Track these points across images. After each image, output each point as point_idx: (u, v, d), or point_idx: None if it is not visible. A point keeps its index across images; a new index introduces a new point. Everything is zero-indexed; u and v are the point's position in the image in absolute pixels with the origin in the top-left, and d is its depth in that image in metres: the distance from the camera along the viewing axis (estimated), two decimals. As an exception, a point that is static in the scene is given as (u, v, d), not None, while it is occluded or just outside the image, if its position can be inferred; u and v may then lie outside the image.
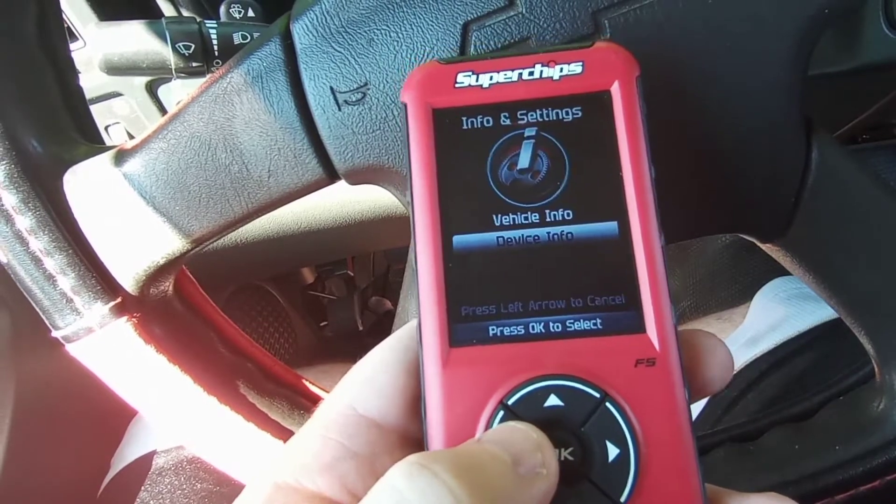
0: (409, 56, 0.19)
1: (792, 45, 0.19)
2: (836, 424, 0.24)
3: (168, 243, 0.22)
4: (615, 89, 0.15)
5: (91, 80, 0.42)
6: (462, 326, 0.15)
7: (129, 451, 0.45)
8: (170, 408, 0.23)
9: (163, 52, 0.30)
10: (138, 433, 0.46)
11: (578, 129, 0.15)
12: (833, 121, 0.54)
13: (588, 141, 0.15)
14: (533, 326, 0.14)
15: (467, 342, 0.14)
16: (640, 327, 0.14)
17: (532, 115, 0.16)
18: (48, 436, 0.49)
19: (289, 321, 0.93)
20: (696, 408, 0.45)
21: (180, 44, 0.30)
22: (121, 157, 0.22)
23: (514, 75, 0.16)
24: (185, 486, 0.40)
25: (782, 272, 0.55)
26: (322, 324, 0.98)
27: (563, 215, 0.15)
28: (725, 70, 0.19)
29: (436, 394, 0.14)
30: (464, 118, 0.16)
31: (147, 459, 0.43)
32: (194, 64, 0.30)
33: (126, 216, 0.22)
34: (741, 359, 0.45)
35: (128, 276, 0.22)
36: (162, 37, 0.30)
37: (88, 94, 0.43)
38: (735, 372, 0.44)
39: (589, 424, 0.14)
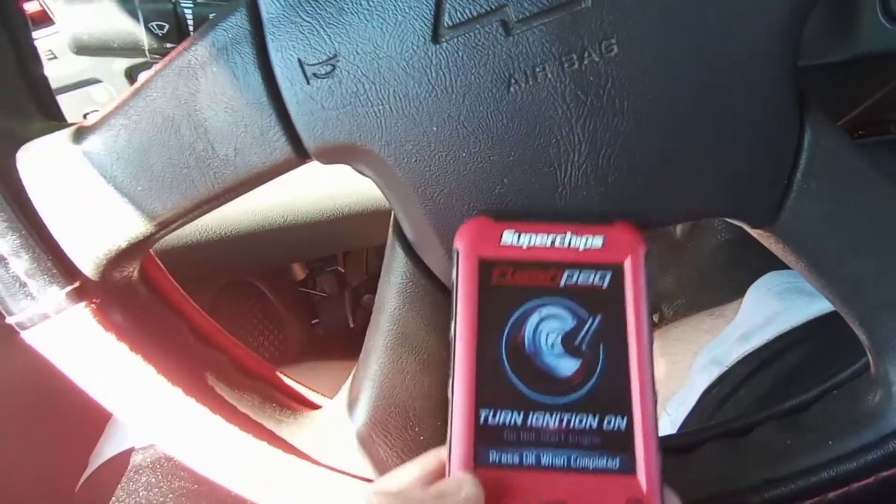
0: (380, 26, 0.18)
1: (782, 14, 0.18)
2: (830, 419, 0.23)
3: (131, 226, 0.21)
4: (627, 263, 0.19)
5: (69, 66, 0.41)
6: (486, 450, 0.18)
7: (107, 448, 0.44)
8: (132, 399, 0.22)
9: (135, 31, 0.29)
10: (117, 430, 0.45)
11: (593, 292, 0.19)
12: (828, 115, 0.53)
13: (601, 304, 0.18)
14: (545, 460, 0.18)
15: (489, 464, 0.18)
16: (632, 470, 0.17)
17: (557, 277, 0.19)
18: (25, 432, 0.48)
19: (279, 318, 0.92)
20: (688, 405, 0.45)
21: (153, 23, 0.29)
22: (80, 134, 0.21)
23: (548, 241, 0.19)
24: (162, 484, 0.39)
25: (776, 268, 0.54)
26: (314, 321, 0.97)
27: (580, 400, 0.18)
28: (713, 41, 0.18)
29: None
30: (503, 269, 0.19)
31: (125, 456, 0.42)
32: (168, 45, 0.29)
33: (85, 196, 0.21)
34: (733, 355, 0.44)
35: (87, 260, 0.21)
36: (134, 16, 0.29)
37: (66, 81, 0.42)
38: (727, 368, 0.44)
39: None
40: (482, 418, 0.18)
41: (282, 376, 0.27)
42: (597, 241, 0.19)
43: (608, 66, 0.18)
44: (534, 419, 0.18)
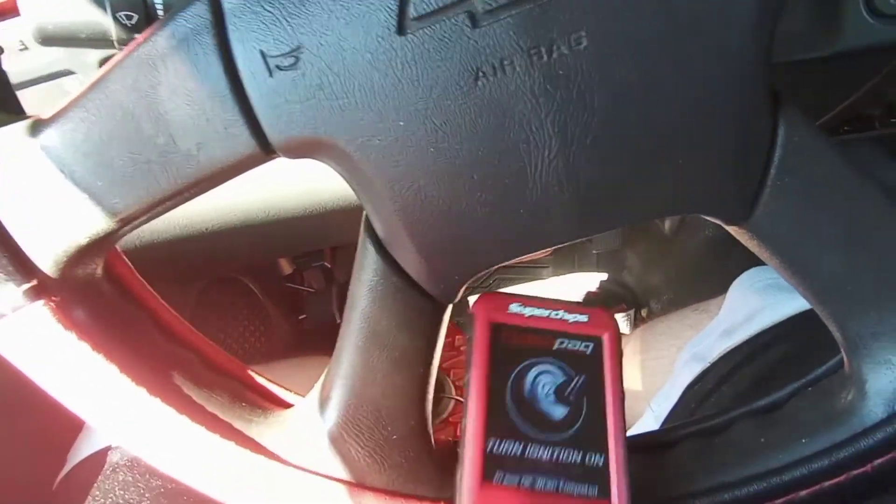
0: (344, 17, 0.18)
1: (752, 12, 0.17)
2: (804, 416, 0.23)
3: (91, 222, 0.20)
4: (605, 337, 0.23)
5: (40, 58, 0.40)
6: (492, 471, 0.21)
7: (84, 447, 0.43)
8: (94, 400, 0.22)
9: (103, 22, 0.28)
10: (94, 428, 0.45)
11: (579, 356, 0.23)
12: (813, 111, 0.53)
13: (585, 366, 0.23)
14: (538, 484, 0.21)
15: (494, 482, 0.21)
16: (607, 496, 0.21)
17: (552, 342, 0.23)
18: (1, 430, 0.47)
19: (265, 314, 0.91)
20: (671, 400, 0.45)
21: (122, 13, 0.28)
22: (37, 127, 0.20)
23: (545, 313, 0.24)
24: (139, 483, 0.39)
25: (761, 263, 0.54)
26: (301, 317, 0.96)
27: (567, 439, 0.22)
28: (684, 36, 0.17)
29: None
30: (510, 332, 0.23)
31: (102, 455, 0.42)
32: (137, 36, 0.28)
33: (43, 192, 0.20)
34: (716, 351, 0.44)
35: (46, 257, 0.21)
36: (102, 6, 0.28)
37: (38, 72, 0.41)
38: (709, 364, 0.44)
39: None
40: (490, 447, 0.22)
41: (253, 374, 0.26)
42: (583, 318, 0.24)
43: (577, 59, 0.18)
44: (531, 451, 0.22)
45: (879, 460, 0.20)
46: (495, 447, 0.22)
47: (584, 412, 0.22)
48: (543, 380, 0.23)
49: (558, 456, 0.22)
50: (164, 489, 0.38)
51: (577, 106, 0.18)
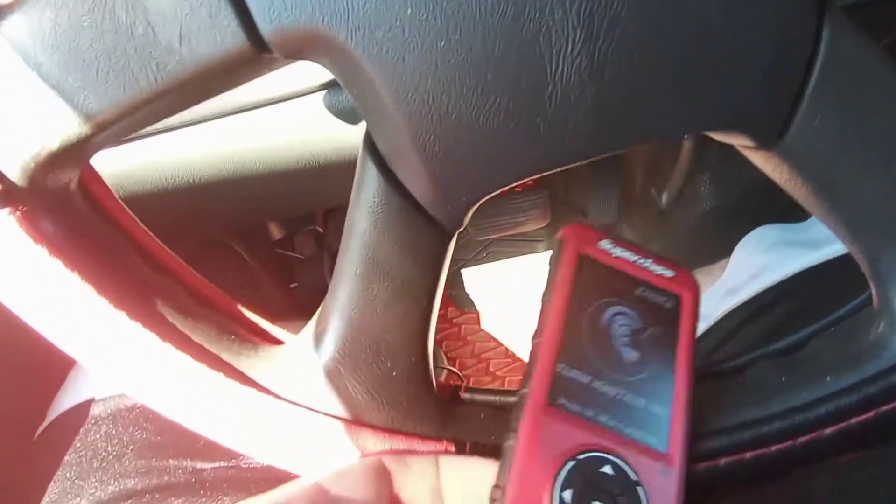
0: None
1: None
2: (828, 355, 0.21)
3: (62, 125, 0.18)
4: (687, 296, 0.23)
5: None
6: (557, 394, 0.21)
7: (66, 399, 0.42)
8: (66, 322, 0.20)
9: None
10: (77, 381, 0.43)
11: (658, 308, 0.23)
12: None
13: (662, 319, 0.23)
14: (600, 418, 0.21)
15: (558, 405, 0.21)
16: (665, 448, 0.20)
17: (635, 287, 0.23)
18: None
19: (255, 280, 0.89)
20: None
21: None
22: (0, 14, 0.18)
23: (633, 257, 0.23)
24: (122, 435, 0.37)
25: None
26: (292, 285, 0.94)
27: (634, 383, 0.22)
28: None
29: (530, 436, 0.20)
30: (595, 265, 0.23)
31: (84, 407, 0.40)
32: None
33: (8, 88, 0.18)
34: (720, 309, 0.43)
35: (12, 162, 0.19)
36: None
37: None
38: (714, 322, 0.43)
39: (624, 496, 0.19)
40: (559, 370, 0.21)
41: (244, 310, 0.25)
42: (668, 273, 0.23)
43: None
44: (598, 385, 0.21)
45: (911, 394, 0.19)
46: (564, 372, 0.21)
47: (654, 362, 0.22)
48: (621, 320, 0.22)
49: (624, 397, 0.21)
50: (148, 441, 0.36)
51: None
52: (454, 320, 1.14)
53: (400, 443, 0.22)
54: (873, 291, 0.21)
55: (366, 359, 0.22)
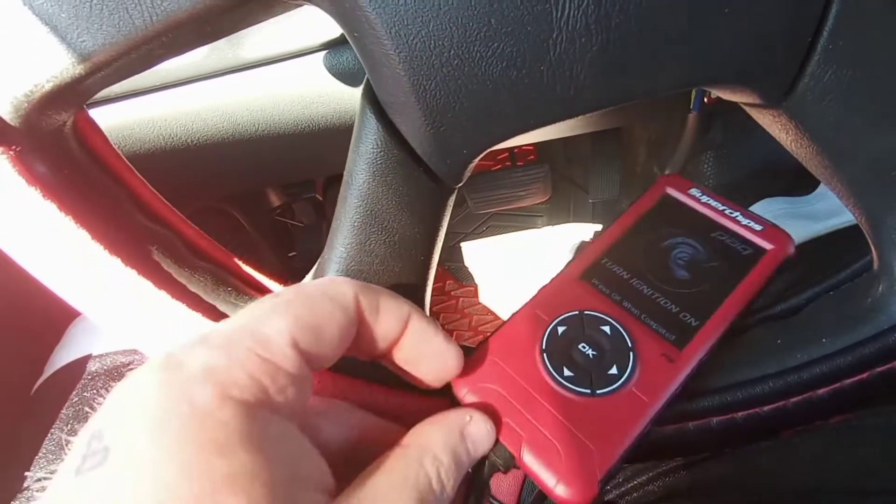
0: None
1: None
2: (825, 318, 0.21)
3: (55, 63, 0.18)
4: (770, 251, 0.23)
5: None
6: (595, 275, 0.24)
7: (64, 355, 0.42)
8: (61, 266, 0.20)
9: None
10: (75, 336, 0.43)
11: (731, 249, 0.24)
12: None
13: (731, 258, 0.23)
14: (626, 304, 0.23)
15: (592, 282, 0.23)
16: (682, 346, 0.21)
17: (712, 231, 0.24)
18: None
19: (254, 247, 0.89)
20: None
21: None
22: None
23: (721, 206, 0.25)
24: (119, 391, 0.37)
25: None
26: (291, 254, 0.94)
27: (673, 293, 0.23)
28: None
29: (550, 289, 0.23)
30: (678, 205, 0.25)
31: (81, 363, 0.40)
32: None
33: (0, 25, 0.18)
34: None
35: (5, 101, 0.18)
36: None
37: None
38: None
39: (612, 353, 0.21)
40: (602, 261, 0.24)
41: (240, 263, 0.25)
42: (757, 226, 0.24)
43: None
44: (635, 282, 0.23)
45: (906, 356, 0.18)
46: (607, 262, 0.24)
47: (704, 287, 0.22)
48: (682, 248, 0.24)
49: (657, 298, 0.22)
50: None
51: None
52: (452, 293, 1.14)
53: (396, 397, 0.22)
54: (874, 254, 0.21)
55: None
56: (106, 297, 0.20)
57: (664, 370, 0.20)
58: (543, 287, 0.24)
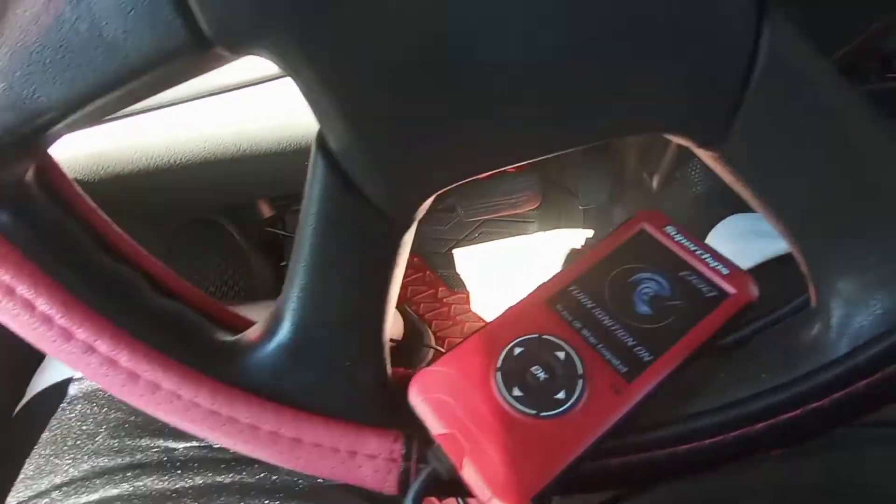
0: None
1: None
2: (767, 353, 0.22)
3: (12, 119, 0.19)
4: (733, 296, 0.24)
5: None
6: (559, 301, 0.24)
7: (45, 378, 0.42)
8: (20, 314, 0.20)
9: None
10: (55, 360, 0.44)
11: (695, 290, 0.24)
12: (839, 35, 0.51)
13: (695, 299, 0.24)
14: (584, 332, 0.23)
15: (555, 308, 0.24)
16: (630, 380, 0.22)
17: (681, 269, 0.25)
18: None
19: (245, 258, 0.90)
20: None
21: None
22: None
23: (693, 247, 0.26)
24: (97, 415, 0.38)
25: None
26: (282, 263, 0.95)
27: (632, 326, 0.23)
28: None
29: (513, 310, 0.24)
30: (653, 241, 0.26)
31: (61, 387, 0.41)
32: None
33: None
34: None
35: None
36: None
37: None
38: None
39: (563, 379, 0.22)
40: (572, 287, 0.25)
41: (208, 298, 0.25)
42: (724, 269, 0.24)
43: None
44: (598, 313, 0.24)
45: (837, 395, 0.19)
46: (574, 290, 0.25)
47: (664, 324, 0.23)
48: (648, 284, 0.25)
49: (616, 330, 0.23)
50: (122, 421, 0.37)
51: None
52: (444, 300, 1.15)
53: (351, 434, 0.23)
54: (811, 293, 0.21)
55: (318, 350, 0.23)
56: (64, 347, 0.21)
57: (609, 401, 0.21)
58: (511, 307, 0.25)
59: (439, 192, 0.21)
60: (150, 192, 0.59)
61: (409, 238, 0.23)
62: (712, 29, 0.17)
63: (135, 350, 0.21)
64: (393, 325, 0.94)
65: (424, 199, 0.21)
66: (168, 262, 0.25)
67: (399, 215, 0.21)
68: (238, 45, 0.18)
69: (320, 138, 0.21)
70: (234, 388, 0.22)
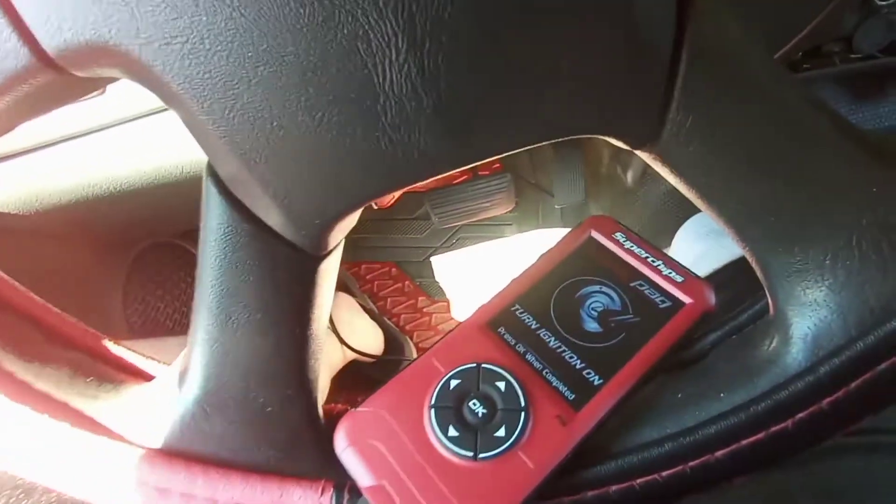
0: None
1: None
2: (724, 368, 0.20)
3: None
4: (688, 305, 0.22)
5: None
6: (501, 321, 0.22)
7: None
8: None
9: None
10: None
11: (648, 303, 0.22)
12: (784, 31, 0.50)
13: (647, 313, 0.22)
14: (528, 357, 0.21)
15: (497, 331, 0.22)
16: (579, 408, 0.20)
17: (633, 279, 0.23)
18: None
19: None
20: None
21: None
22: None
23: (644, 254, 0.24)
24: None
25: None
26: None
27: (581, 346, 0.22)
28: None
29: (451, 337, 0.22)
30: (601, 249, 0.24)
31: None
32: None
33: None
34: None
35: None
36: None
37: None
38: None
39: (503, 412, 0.20)
40: (512, 308, 0.23)
41: (109, 344, 0.23)
42: (678, 277, 0.23)
43: None
44: (543, 333, 0.22)
45: (801, 415, 0.17)
46: (517, 311, 0.22)
47: (614, 342, 0.21)
48: (597, 298, 0.23)
49: (563, 352, 0.21)
50: (20, 483, 0.34)
51: None
52: (424, 309, 1.13)
53: (273, 489, 0.20)
54: (769, 301, 0.19)
55: (234, 395, 0.20)
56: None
57: (555, 435, 0.19)
58: (449, 332, 0.22)
59: (348, 216, 0.19)
60: (113, 217, 0.57)
61: (330, 266, 0.21)
62: (631, 19, 0.15)
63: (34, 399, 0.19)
64: (372, 340, 0.92)
65: (332, 224, 0.19)
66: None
67: (307, 242, 0.19)
68: (89, 67, 0.16)
69: (210, 165, 0.18)
70: (141, 448, 0.20)
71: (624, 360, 0.21)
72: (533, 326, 0.22)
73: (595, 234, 0.25)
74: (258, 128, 0.16)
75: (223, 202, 0.18)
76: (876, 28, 0.46)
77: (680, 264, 0.23)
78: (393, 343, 0.95)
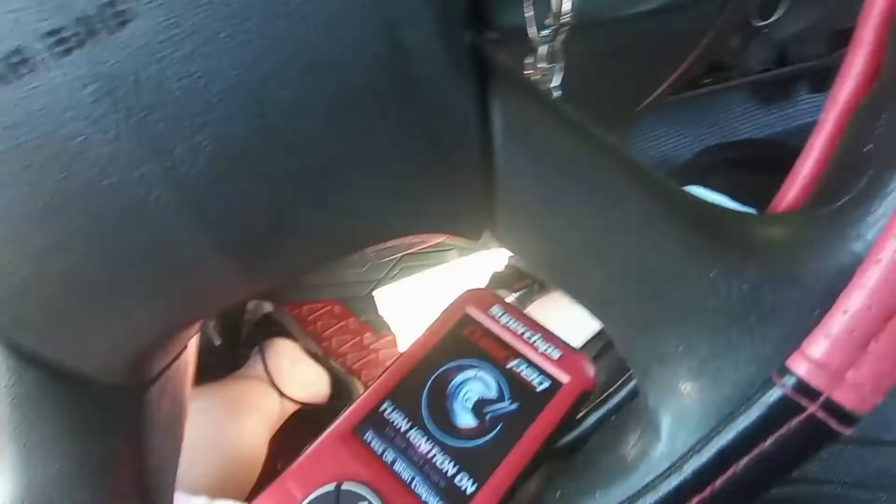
0: None
1: None
2: (602, 460, 0.18)
3: None
4: (566, 385, 0.21)
5: None
6: (367, 427, 0.21)
7: None
8: None
9: None
10: None
11: (526, 387, 0.21)
12: (667, 63, 0.50)
13: (525, 399, 0.21)
14: (397, 466, 0.20)
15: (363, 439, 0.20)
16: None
17: (509, 358, 0.22)
18: None
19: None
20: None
21: None
22: None
23: (521, 328, 0.22)
24: None
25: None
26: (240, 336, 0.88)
27: (455, 447, 0.20)
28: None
29: (309, 455, 0.20)
30: (476, 328, 0.23)
31: None
32: None
33: None
34: (583, 334, 0.41)
35: None
36: None
37: None
38: (582, 344, 0.40)
39: None
40: (382, 408, 0.21)
41: None
42: (555, 353, 0.22)
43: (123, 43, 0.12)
44: (414, 435, 0.20)
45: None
46: (386, 411, 0.21)
47: (491, 436, 0.20)
48: (472, 386, 0.21)
49: (434, 457, 0.20)
50: None
51: (130, 95, 0.12)
52: (371, 346, 1.10)
53: None
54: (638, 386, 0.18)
55: None
56: None
57: None
58: (310, 446, 0.20)
59: (149, 349, 0.16)
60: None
61: (154, 394, 0.18)
62: (428, 118, 0.13)
63: None
64: (316, 386, 0.88)
65: (131, 358, 0.16)
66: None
67: (116, 379, 0.17)
68: None
69: None
70: None
71: (500, 458, 0.19)
72: (403, 428, 0.20)
73: (470, 311, 0.23)
74: (10, 264, 0.13)
75: (3, 349, 0.16)
76: (760, 47, 0.47)
77: (558, 338, 0.22)
78: (340, 385, 0.92)
